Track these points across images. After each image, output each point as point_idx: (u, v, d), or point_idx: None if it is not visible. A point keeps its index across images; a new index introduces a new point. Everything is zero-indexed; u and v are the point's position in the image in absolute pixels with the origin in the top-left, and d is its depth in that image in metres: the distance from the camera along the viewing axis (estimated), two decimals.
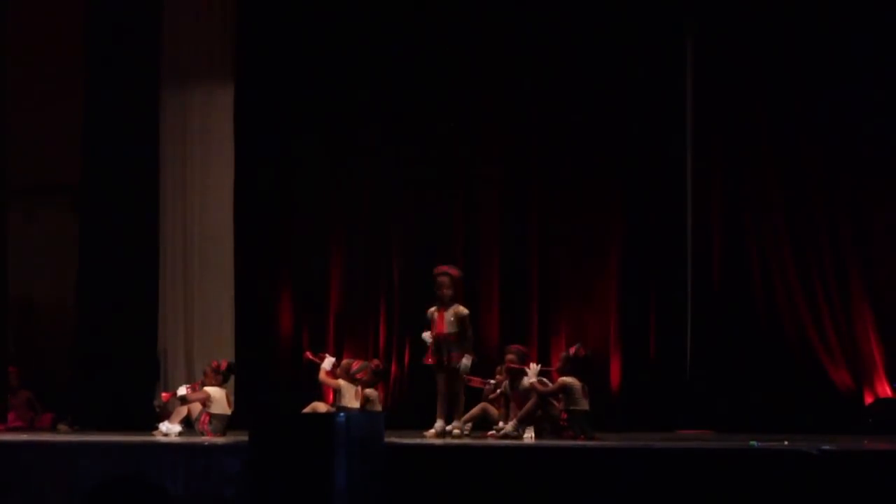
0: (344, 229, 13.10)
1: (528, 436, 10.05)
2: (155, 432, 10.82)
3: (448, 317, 10.30)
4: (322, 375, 11.10)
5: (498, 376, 10.96)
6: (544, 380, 10.36)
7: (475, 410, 10.87)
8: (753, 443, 8.92)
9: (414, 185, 12.89)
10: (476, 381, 10.87)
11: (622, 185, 12.52)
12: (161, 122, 13.25)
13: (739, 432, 10.52)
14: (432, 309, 10.41)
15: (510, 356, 10.55)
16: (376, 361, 11.65)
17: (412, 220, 12.91)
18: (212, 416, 10.95)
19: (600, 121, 12.52)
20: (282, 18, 13.12)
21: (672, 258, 12.30)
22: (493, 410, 10.82)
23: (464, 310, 10.37)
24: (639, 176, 12.41)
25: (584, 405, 10.17)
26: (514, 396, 10.37)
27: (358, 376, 10.98)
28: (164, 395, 12.01)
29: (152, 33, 13.11)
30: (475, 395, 11.01)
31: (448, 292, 10.35)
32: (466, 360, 10.29)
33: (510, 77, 12.77)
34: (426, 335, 10.38)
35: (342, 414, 8.86)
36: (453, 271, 10.49)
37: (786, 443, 8.97)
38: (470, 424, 10.61)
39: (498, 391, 10.94)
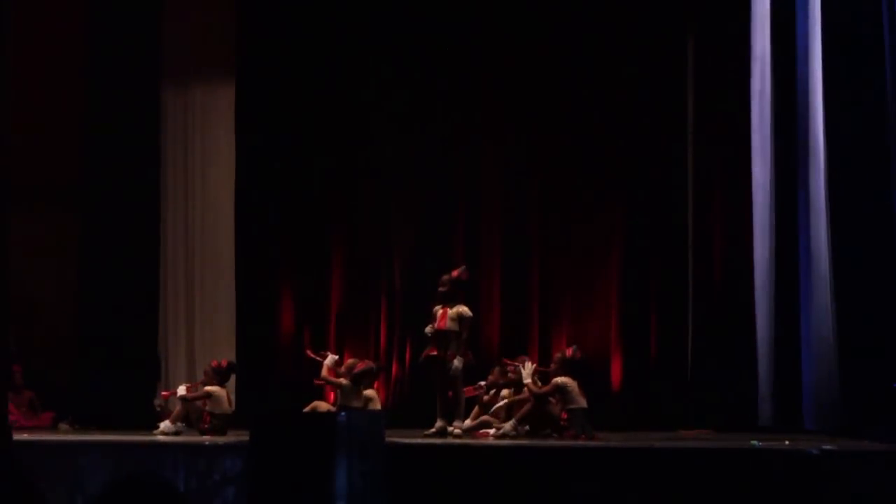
0: (345, 229, 13.10)
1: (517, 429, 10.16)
2: (155, 432, 10.83)
3: (451, 314, 10.37)
4: (324, 373, 11.11)
5: (490, 377, 10.99)
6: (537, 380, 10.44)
7: (475, 422, 10.82)
8: (754, 443, 8.93)
9: (415, 184, 12.88)
10: (469, 391, 10.87)
11: (623, 185, 12.52)
12: (161, 121, 13.25)
13: (739, 432, 10.52)
14: (438, 305, 10.46)
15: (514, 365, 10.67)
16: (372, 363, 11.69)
17: (413, 220, 12.90)
18: (212, 415, 10.95)
19: (601, 121, 12.51)
20: (282, 18, 13.11)
21: (672, 258, 12.28)
22: (494, 421, 10.79)
23: (467, 311, 10.42)
24: (640, 176, 12.41)
25: (583, 403, 10.20)
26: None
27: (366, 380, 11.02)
28: (163, 394, 12.03)
29: (152, 33, 13.11)
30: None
31: (443, 289, 10.42)
32: (458, 363, 10.32)
33: (512, 78, 12.76)
34: (428, 329, 10.44)
35: (342, 414, 8.87)
36: (455, 272, 10.54)
37: (786, 443, 8.99)
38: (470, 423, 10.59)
39: (492, 392, 10.96)
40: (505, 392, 10.85)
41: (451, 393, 10.51)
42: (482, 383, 11.01)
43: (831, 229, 9.62)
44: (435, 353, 10.42)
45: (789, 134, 10.07)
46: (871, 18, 9.53)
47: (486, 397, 11.00)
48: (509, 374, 10.82)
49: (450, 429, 10.31)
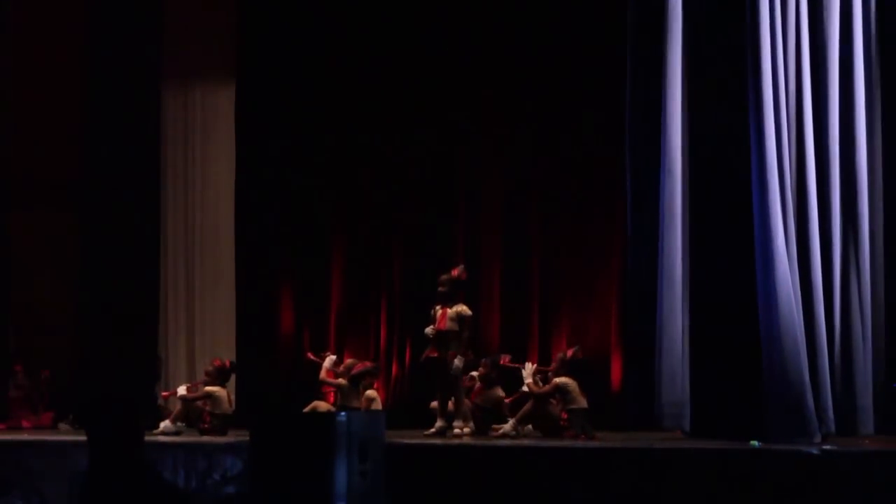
0: (344, 228, 13.10)
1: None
2: (155, 432, 10.83)
3: (450, 314, 10.38)
4: (323, 375, 11.12)
5: (481, 369, 10.97)
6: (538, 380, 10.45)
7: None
8: (754, 443, 8.93)
9: (415, 184, 12.89)
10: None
11: (623, 184, 12.50)
12: (162, 120, 13.24)
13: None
14: (437, 307, 10.47)
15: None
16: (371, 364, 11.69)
17: (413, 220, 12.90)
18: (212, 415, 10.96)
19: (600, 120, 12.50)
20: (283, 17, 13.11)
21: None
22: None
23: (467, 310, 10.43)
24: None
25: (583, 403, 10.22)
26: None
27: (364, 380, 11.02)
28: (164, 394, 12.04)
29: (153, 32, 13.10)
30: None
31: (442, 289, 10.44)
32: (458, 362, 10.33)
33: (512, 78, 12.76)
34: (428, 330, 10.44)
35: (342, 414, 8.87)
36: (454, 271, 10.55)
37: None
38: (472, 424, 10.56)
39: (477, 385, 10.97)
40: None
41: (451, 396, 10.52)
42: (474, 374, 11.02)
43: (688, 233, 9.69)
44: (435, 354, 10.42)
45: (651, 141, 10.13)
46: (732, 25, 9.61)
47: (469, 382, 11.00)
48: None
49: (453, 425, 10.31)
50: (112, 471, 4.86)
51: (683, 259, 9.67)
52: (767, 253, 9.21)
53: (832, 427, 9.29)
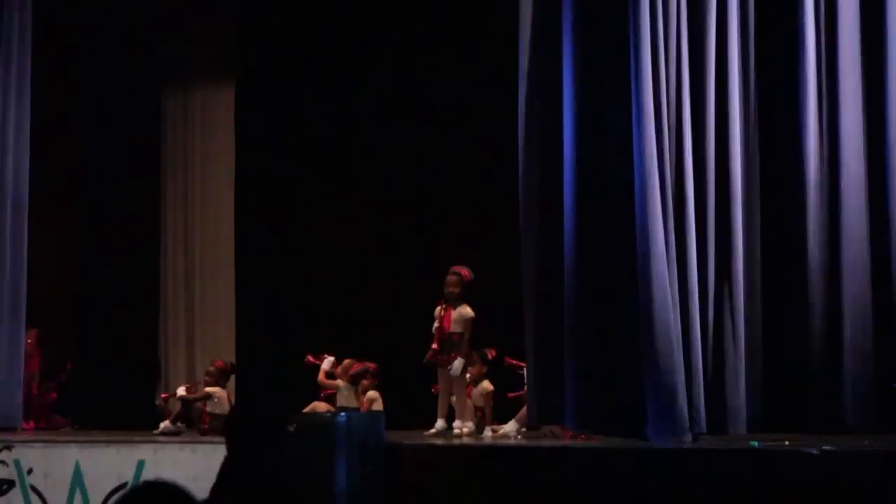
0: (344, 228, 13.10)
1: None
2: (155, 432, 10.84)
3: (454, 316, 10.36)
4: (321, 377, 11.13)
5: (472, 369, 10.95)
6: None
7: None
8: (754, 443, 8.93)
9: (415, 184, 12.90)
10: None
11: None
12: (162, 121, 13.26)
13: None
14: (440, 307, 10.46)
15: None
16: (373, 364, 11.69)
17: (414, 220, 12.91)
18: (212, 415, 10.97)
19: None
20: (283, 18, 13.13)
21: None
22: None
23: (470, 311, 10.41)
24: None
25: None
26: None
27: (363, 380, 11.02)
28: (163, 395, 12.05)
29: (153, 35, 13.11)
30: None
31: (454, 290, 10.42)
32: (458, 364, 10.32)
33: (510, 78, 12.75)
34: (434, 329, 10.45)
35: (342, 414, 8.88)
36: (464, 271, 10.54)
37: (786, 443, 8.99)
38: (472, 424, 10.56)
39: (469, 387, 10.96)
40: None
41: (453, 395, 10.53)
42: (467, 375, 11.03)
43: (579, 234, 9.76)
44: (438, 354, 10.41)
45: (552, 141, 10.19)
46: (617, 30, 9.64)
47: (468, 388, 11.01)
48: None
49: (453, 425, 10.31)
50: (244, 480, 4.84)
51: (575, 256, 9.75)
52: (646, 254, 9.28)
53: (704, 427, 9.38)
